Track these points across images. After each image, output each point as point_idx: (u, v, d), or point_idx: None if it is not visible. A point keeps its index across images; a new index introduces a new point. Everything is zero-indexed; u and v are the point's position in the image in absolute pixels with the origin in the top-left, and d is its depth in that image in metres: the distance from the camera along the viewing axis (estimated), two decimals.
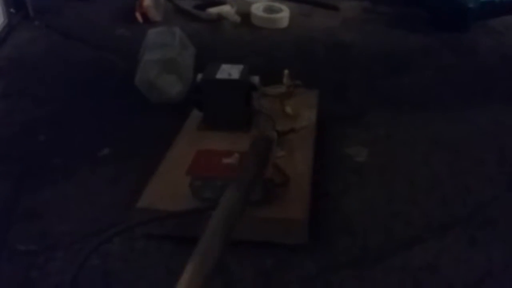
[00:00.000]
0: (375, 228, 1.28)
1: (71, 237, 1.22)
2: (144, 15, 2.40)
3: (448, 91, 1.97)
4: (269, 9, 2.51)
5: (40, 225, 1.26)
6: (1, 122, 1.70)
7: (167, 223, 1.18)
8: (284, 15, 2.47)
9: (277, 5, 2.54)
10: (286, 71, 1.58)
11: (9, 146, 1.58)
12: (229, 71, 1.49)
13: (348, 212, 1.33)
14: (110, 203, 1.33)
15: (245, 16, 2.48)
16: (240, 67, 1.51)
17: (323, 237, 1.23)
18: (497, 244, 1.24)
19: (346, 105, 1.85)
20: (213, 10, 2.49)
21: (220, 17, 2.45)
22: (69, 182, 1.41)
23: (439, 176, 1.48)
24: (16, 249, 1.19)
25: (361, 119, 1.76)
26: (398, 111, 1.81)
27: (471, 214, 1.34)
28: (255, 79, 1.49)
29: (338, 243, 1.22)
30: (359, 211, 1.33)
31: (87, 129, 1.67)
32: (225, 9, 2.49)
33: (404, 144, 1.63)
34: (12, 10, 2.31)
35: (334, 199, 1.37)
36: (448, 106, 1.86)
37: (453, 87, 2.00)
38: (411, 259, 1.19)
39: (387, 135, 1.68)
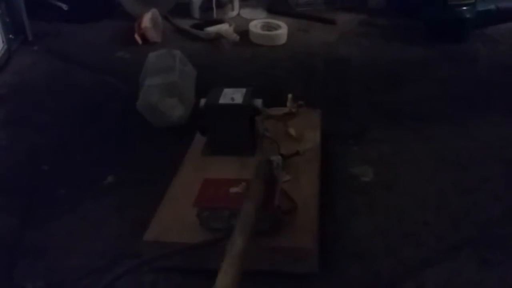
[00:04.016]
0: (386, 251, 1.27)
1: (78, 273, 1.20)
2: (143, 37, 2.41)
3: (449, 103, 1.96)
4: (267, 26, 2.52)
5: (47, 260, 1.25)
6: (4, 151, 1.70)
7: (176, 256, 1.17)
8: (282, 31, 2.47)
9: (274, 22, 2.55)
10: (289, 96, 1.57)
11: (13, 176, 1.57)
12: (232, 95, 1.48)
13: (358, 236, 1.32)
14: (117, 235, 1.32)
15: (244, 34, 2.49)
16: (243, 90, 1.51)
17: (334, 264, 1.22)
18: (508, 263, 1.23)
19: (348, 122, 1.84)
20: (212, 29, 2.50)
21: (218, 36, 2.46)
22: (74, 214, 1.40)
23: (446, 194, 1.47)
24: (23, 287, 1.18)
25: (364, 136, 1.75)
26: (401, 126, 1.81)
27: (480, 233, 1.33)
28: (258, 102, 1.49)
29: (349, 270, 1.21)
30: (368, 234, 1.32)
31: (90, 156, 1.66)
32: (224, 27, 2.50)
33: (409, 161, 1.62)
34: (11, 35, 2.31)
35: (343, 222, 1.36)
36: (450, 119, 1.86)
37: (454, 99, 2.00)
38: (423, 283, 1.18)
39: (392, 152, 1.67)
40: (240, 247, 0.97)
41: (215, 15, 2.67)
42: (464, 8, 2.40)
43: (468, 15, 2.41)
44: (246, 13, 2.79)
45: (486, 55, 2.36)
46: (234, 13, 2.78)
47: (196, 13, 2.72)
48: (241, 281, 0.93)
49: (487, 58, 2.34)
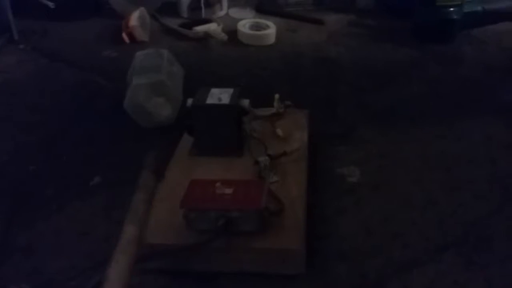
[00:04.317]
0: (373, 252, 1.27)
1: (65, 274, 1.20)
2: (131, 35, 2.39)
3: (436, 104, 1.98)
4: (256, 26, 2.52)
5: (33, 261, 1.24)
6: None
7: (163, 257, 1.17)
8: (270, 31, 2.47)
9: (263, 21, 2.55)
10: (276, 96, 1.57)
11: None
12: (219, 96, 1.48)
13: (345, 236, 1.32)
14: (104, 236, 1.31)
15: (232, 33, 2.48)
16: (230, 91, 1.50)
17: (320, 264, 1.22)
18: (493, 265, 1.24)
19: (336, 123, 1.85)
20: (200, 28, 2.48)
21: (207, 36, 2.45)
22: (61, 215, 1.39)
23: (432, 194, 1.48)
24: None
25: (352, 137, 1.76)
26: (388, 127, 1.82)
27: (466, 233, 1.34)
28: (245, 102, 1.48)
29: (335, 270, 1.22)
30: (355, 234, 1.33)
31: (77, 156, 1.65)
32: (212, 27, 2.49)
33: (396, 162, 1.63)
34: None
35: (330, 222, 1.37)
36: (437, 120, 1.87)
37: (441, 99, 2.01)
38: (409, 284, 1.19)
39: (379, 153, 1.68)
40: (131, 234, 1.00)
41: (203, 15, 2.66)
42: (451, 9, 2.41)
43: (455, 16, 2.42)
44: (235, 12, 2.79)
45: (473, 56, 2.38)
46: (223, 12, 2.77)
47: (184, 12, 2.71)
48: (133, 268, 0.97)
49: (474, 59, 2.36)
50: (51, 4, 2.53)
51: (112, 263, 0.95)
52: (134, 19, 2.41)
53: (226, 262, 1.18)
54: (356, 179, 1.54)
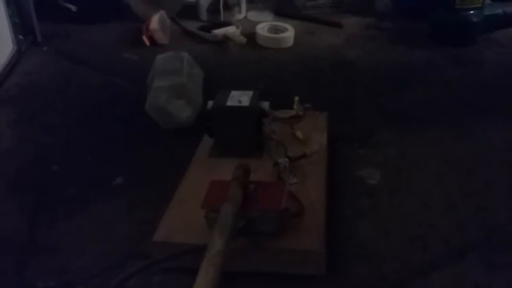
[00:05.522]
0: (392, 254, 1.28)
1: (89, 272, 1.22)
2: (151, 38, 2.42)
3: (455, 107, 1.97)
4: (274, 29, 2.54)
5: (58, 260, 1.26)
6: (14, 151, 1.71)
7: (185, 257, 1.18)
8: (289, 34, 2.48)
9: (281, 24, 2.57)
10: (296, 98, 1.59)
11: (23, 176, 1.59)
12: (239, 98, 1.49)
13: (364, 238, 1.33)
14: (126, 235, 1.34)
15: (251, 36, 2.50)
16: (250, 93, 1.52)
17: (340, 265, 1.23)
18: None
19: (355, 125, 1.85)
20: (219, 31, 2.51)
21: (226, 38, 2.47)
22: (84, 214, 1.42)
23: (452, 197, 1.48)
24: (35, 286, 1.19)
25: (370, 139, 1.76)
26: (407, 130, 1.82)
27: (487, 237, 1.33)
28: (265, 105, 1.50)
29: (355, 272, 1.22)
30: (375, 236, 1.33)
31: (99, 157, 1.67)
32: (231, 30, 2.51)
33: (415, 164, 1.63)
34: (20, 36, 2.33)
35: (349, 224, 1.37)
36: (456, 123, 1.86)
37: (460, 102, 2.00)
38: (429, 286, 1.19)
39: (398, 155, 1.68)
40: (219, 247, 1.02)
41: (222, 18, 2.68)
42: (471, 12, 2.40)
43: (475, 19, 2.41)
44: (253, 15, 2.81)
45: (492, 59, 2.37)
46: (241, 15, 2.79)
47: (204, 15, 2.74)
48: (220, 279, 0.98)
49: (494, 62, 2.35)
50: (73, 8, 2.58)
51: (201, 273, 0.97)
52: (154, 22, 2.44)
53: (246, 262, 1.19)
54: (375, 181, 1.55)
